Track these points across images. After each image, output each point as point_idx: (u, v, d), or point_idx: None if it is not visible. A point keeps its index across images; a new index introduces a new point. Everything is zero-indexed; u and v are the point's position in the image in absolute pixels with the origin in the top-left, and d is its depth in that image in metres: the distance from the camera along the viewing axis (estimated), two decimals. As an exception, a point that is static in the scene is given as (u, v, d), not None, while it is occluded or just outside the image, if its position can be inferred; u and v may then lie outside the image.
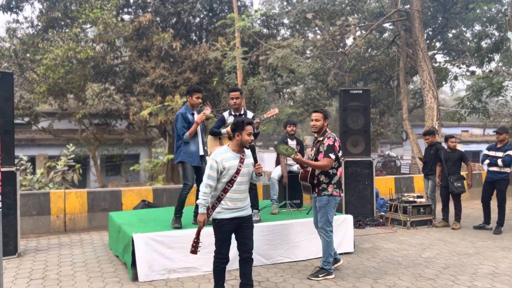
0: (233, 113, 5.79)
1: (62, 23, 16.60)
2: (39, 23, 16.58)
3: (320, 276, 5.02)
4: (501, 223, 7.65)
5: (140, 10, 17.45)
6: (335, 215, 6.17)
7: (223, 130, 5.70)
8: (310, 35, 22.72)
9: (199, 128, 5.53)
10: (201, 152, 5.58)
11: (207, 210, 4.11)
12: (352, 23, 14.88)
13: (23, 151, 17.75)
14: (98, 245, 6.73)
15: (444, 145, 8.54)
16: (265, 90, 16.27)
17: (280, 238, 5.69)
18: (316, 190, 5.09)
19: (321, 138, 5.09)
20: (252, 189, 5.50)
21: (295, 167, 6.94)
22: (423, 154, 9.05)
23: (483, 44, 18.27)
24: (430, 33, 24.41)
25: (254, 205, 5.90)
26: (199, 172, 5.59)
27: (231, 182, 4.07)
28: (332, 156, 4.92)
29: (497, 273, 5.31)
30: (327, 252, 5.06)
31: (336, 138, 5.03)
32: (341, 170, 5.17)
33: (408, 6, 16.88)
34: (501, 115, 22.23)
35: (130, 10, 18.03)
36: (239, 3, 16.82)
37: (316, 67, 20.11)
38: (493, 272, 5.33)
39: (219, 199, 4.09)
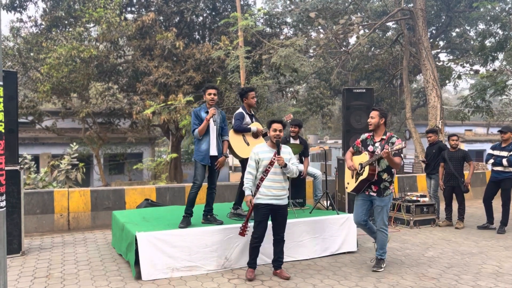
0: (248, 112, 6.02)
1: (66, 22, 16.65)
2: (43, 22, 16.63)
3: (382, 266, 5.37)
4: (505, 222, 7.61)
5: (143, 9, 17.48)
6: (337, 214, 6.22)
7: (253, 128, 5.87)
8: (313, 34, 22.69)
9: (213, 129, 5.47)
10: (213, 153, 5.47)
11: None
12: (355, 22, 14.85)
13: (27, 149, 17.82)
14: (101, 244, 6.75)
15: (447, 144, 8.53)
16: (268, 89, 16.25)
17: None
18: (375, 189, 5.20)
19: (384, 136, 5.20)
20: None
21: (301, 166, 6.94)
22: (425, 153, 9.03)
23: (487, 43, 18.21)
24: (434, 31, 24.35)
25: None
26: (210, 171, 5.60)
27: (266, 172, 4.85)
28: (402, 155, 5.17)
29: (500, 272, 5.30)
30: (385, 245, 5.39)
31: None
32: None
33: (412, 4, 16.84)
34: (505, 114, 22.18)
35: (133, 9, 18.07)
36: (242, 2, 16.81)
37: (319, 66, 20.07)
38: (497, 272, 5.32)
39: (257, 187, 4.88)
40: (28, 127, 20.76)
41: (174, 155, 16.07)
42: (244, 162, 5.90)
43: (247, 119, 5.93)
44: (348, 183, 5.49)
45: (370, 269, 5.35)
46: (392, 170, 5.20)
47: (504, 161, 7.41)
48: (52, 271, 5.32)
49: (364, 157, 5.22)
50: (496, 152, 7.63)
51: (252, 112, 6.14)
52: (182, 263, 5.13)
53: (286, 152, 4.97)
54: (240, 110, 5.96)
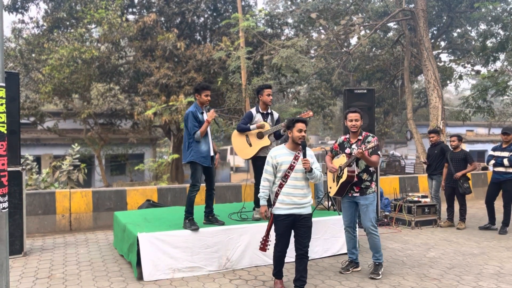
0: (260, 110, 5.85)
1: (67, 23, 16.67)
2: (44, 24, 16.65)
3: (380, 272, 5.15)
4: (507, 223, 7.61)
5: (145, 10, 17.49)
6: (339, 214, 6.22)
7: (252, 126, 5.73)
8: (314, 34, 22.70)
9: (209, 128, 5.44)
10: (212, 153, 5.45)
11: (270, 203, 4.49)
12: (357, 23, 14.85)
13: (28, 150, 17.85)
14: (103, 245, 6.76)
15: (449, 144, 8.55)
16: (269, 90, 16.23)
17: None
18: (357, 190, 5.14)
19: (360, 137, 5.18)
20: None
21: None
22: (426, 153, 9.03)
23: (488, 43, 18.19)
24: (435, 32, 24.32)
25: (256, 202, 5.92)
26: (209, 173, 5.53)
27: (285, 177, 4.35)
28: (380, 153, 5.15)
29: (502, 273, 5.29)
30: (379, 247, 5.19)
31: None
32: None
33: (413, 5, 16.83)
34: (506, 115, 22.17)
35: (134, 10, 18.07)
36: (243, 3, 16.82)
37: (320, 67, 20.09)
38: (498, 272, 5.32)
39: (276, 195, 4.38)
40: (29, 128, 20.78)
41: (176, 155, 16.06)
42: (255, 161, 5.84)
43: (257, 118, 5.80)
44: (330, 187, 5.42)
45: (368, 276, 5.15)
46: (371, 169, 5.14)
47: (505, 161, 7.40)
48: (54, 271, 5.33)
49: (343, 159, 5.16)
50: (497, 153, 7.65)
51: (269, 111, 5.92)
52: (183, 263, 5.14)
53: (309, 155, 4.45)
54: (252, 109, 5.86)
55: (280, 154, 4.42)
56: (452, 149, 8.21)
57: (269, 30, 17.26)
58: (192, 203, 5.36)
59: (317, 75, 22.45)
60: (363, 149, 4.85)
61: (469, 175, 8.15)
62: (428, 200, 8.37)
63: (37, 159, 16.01)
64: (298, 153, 4.42)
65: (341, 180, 5.13)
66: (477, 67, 22.96)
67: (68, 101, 18.01)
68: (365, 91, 8.33)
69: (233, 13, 13.94)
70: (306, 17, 18.42)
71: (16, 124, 5.98)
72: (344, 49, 17.33)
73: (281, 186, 4.35)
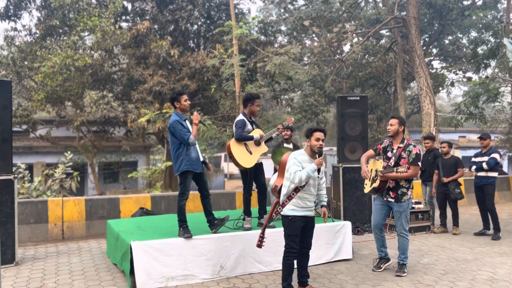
0: (248, 118, 5.86)
1: (60, 31, 16.63)
2: (37, 31, 16.61)
3: (405, 270, 5.48)
4: (497, 228, 7.68)
5: (138, 18, 17.50)
6: (333, 221, 6.24)
7: (256, 135, 5.70)
8: (308, 42, 22.81)
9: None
10: (201, 158, 5.46)
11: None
12: (349, 30, 14.96)
13: (20, 158, 17.72)
14: (96, 253, 6.71)
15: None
16: (263, 97, 16.29)
17: (279, 245, 5.65)
18: (392, 195, 5.38)
19: (401, 145, 5.41)
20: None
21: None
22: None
23: (479, 50, 18.36)
24: (427, 39, 24.54)
25: (246, 211, 5.90)
26: (201, 178, 5.51)
27: (306, 183, 4.56)
28: (420, 164, 5.39)
29: (495, 279, 5.32)
30: (407, 250, 5.54)
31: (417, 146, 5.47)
32: None
33: (405, 13, 16.97)
34: (498, 121, 22.32)
35: (128, 17, 18.09)
36: (236, 11, 16.90)
37: (313, 74, 20.15)
38: (492, 278, 5.34)
39: (289, 198, 4.57)
40: (22, 136, 20.64)
41: (169, 163, 16.01)
42: (245, 172, 5.82)
43: (249, 126, 5.76)
44: (366, 184, 5.73)
45: (394, 274, 5.47)
46: None
47: (484, 165, 7.65)
48: (46, 281, 5.28)
49: (379, 164, 5.44)
50: (478, 159, 7.90)
51: (253, 119, 5.95)
52: (177, 272, 5.11)
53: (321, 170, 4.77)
54: (241, 117, 5.75)
55: (303, 160, 4.61)
56: (443, 156, 8.30)
57: (262, 37, 17.33)
58: (184, 211, 5.34)
59: (310, 82, 22.51)
60: (384, 174, 5.27)
61: (461, 180, 8.23)
62: (421, 206, 8.40)
63: (30, 167, 15.85)
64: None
65: (374, 185, 5.43)
66: (469, 74, 23.14)
67: (61, 109, 17.93)
68: (358, 98, 8.38)
69: (227, 21, 13.99)
70: (299, 24, 18.52)
71: (8, 132, 5.96)
72: (337, 56, 17.44)
73: (296, 190, 4.56)
